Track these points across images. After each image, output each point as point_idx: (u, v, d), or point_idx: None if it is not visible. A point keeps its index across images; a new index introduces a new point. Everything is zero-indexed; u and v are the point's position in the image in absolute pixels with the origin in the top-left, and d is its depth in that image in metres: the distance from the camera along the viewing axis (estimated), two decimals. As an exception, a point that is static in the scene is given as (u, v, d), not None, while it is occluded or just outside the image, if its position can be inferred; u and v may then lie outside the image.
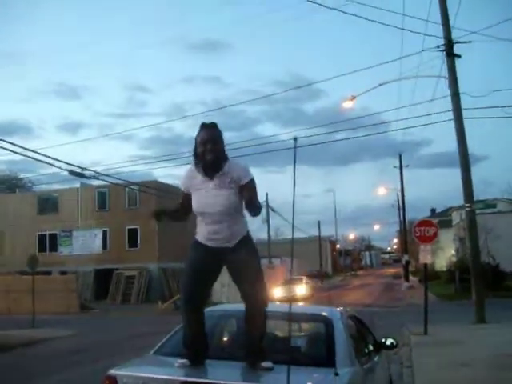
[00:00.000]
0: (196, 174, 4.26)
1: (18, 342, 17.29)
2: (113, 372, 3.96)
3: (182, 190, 4.40)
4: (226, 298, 26.02)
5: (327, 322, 4.67)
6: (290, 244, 4.40)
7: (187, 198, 4.35)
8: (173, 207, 4.58)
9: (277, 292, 31.27)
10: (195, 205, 4.28)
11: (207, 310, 4.59)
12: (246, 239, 4.36)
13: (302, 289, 36.98)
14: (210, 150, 4.15)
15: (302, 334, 4.94)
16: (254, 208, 4.25)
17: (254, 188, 4.29)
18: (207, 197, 4.19)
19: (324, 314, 4.94)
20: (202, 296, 4.36)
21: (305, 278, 41.42)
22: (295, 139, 4.02)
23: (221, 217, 4.19)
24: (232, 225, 4.26)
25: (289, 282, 35.44)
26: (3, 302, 31.64)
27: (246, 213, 4.39)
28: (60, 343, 17.57)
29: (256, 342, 4.15)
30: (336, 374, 3.81)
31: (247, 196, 4.21)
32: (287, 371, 3.35)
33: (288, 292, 31.70)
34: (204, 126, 4.29)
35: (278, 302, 5.26)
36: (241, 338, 4.40)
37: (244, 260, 4.22)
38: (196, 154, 4.25)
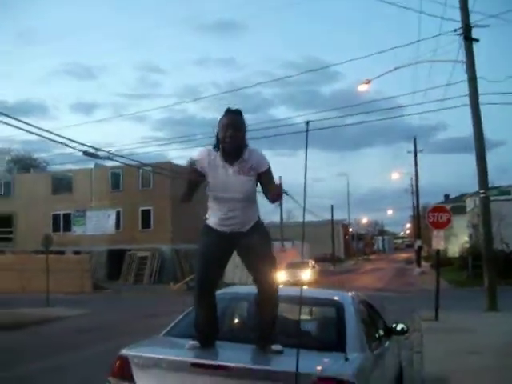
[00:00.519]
0: (215, 157, 4.24)
1: (32, 320, 17.51)
2: (124, 352, 4.00)
3: (196, 166, 4.24)
4: (238, 278, 26.06)
5: (338, 307, 4.67)
6: (302, 227, 4.42)
7: (199, 174, 4.25)
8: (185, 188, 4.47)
9: (280, 276, 30.73)
10: (213, 188, 4.26)
11: (219, 292, 4.61)
12: (259, 224, 4.37)
13: (306, 273, 33.87)
14: (232, 137, 4.15)
15: (313, 318, 4.95)
16: (277, 193, 4.30)
17: (272, 175, 4.34)
18: (226, 182, 4.18)
19: (335, 298, 4.95)
20: (214, 280, 4.38)
21: (311, 262, 39.00)
22: (307, 123, 4.03)
23: (237, 203, 4.19)
24: (246, 211, 4.27)
25: (295, 265, 34.47)
26: (18, 281, 31.96)
27: (263, 199, 4.41)
28: (73, 322, 17.78)
29: (267, 326, 4.17)
30: (346, 359, 3.82)
31: (267, 182, 4.26)
32: (296, 354, 3.37)
33: (292, 276, 31.57)
34: (229, 111, 4.27)
35: (288, 286, 5.28)
36: (251, 320, 4.42)
37: (256, 245, 4.23)
38: (218, 138, 4.25)
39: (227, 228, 4.26)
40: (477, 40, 17.95)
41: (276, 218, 53.38)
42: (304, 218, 5.01)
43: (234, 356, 3.95)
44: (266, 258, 4.24)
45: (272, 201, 4.38)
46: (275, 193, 4.29)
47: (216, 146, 4.27)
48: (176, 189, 39.75)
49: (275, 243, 50.65)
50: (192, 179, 4.28)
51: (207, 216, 4.40)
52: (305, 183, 4.01)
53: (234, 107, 4.31)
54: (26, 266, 32.41)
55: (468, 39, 17.84)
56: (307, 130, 3.97)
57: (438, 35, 18.96)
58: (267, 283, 4.20)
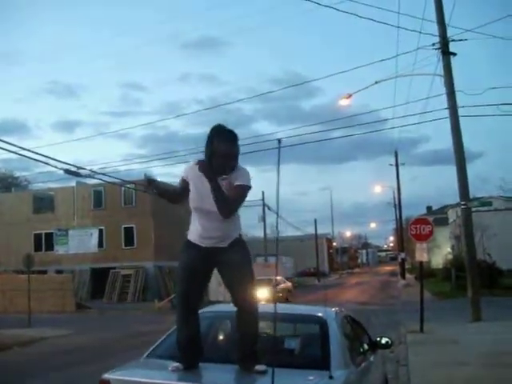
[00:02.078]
0: (196, 171, 4.17)
1: (14, 341, 17.24)
2: (106, 376, 3.94)
3: (182, 176, 4.35)
4: (222, 296, 25.94)
5: (322, 323, 4.64)
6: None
7: (185, 184, 4.30)
8: (169, 187, 4.56)
9: None
10: (193, 199, 4.25)
11: (202, 311, 4.57)
12: (239, 241, 4.34)
13: (263, 292, 25.13)
14: (229, 166, 4.17)
15: (297, 334, 4.92)
16: (225, 205, 4.10)
17: (242, 193, 4.22)
18: (206, 194, 4.13)
19: (318, 314, 4.91)
20: (196, 298, 4.34)
21: (280, 278, 34.93)
22: (279, 141, 4.06)
23: (218, 215, 4.14)
24: (227, 224, 4.23)
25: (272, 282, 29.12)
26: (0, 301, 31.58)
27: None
28: (55, 343, 17.52)
29: (248, 346, 4.12)
30: (330, 377, 3.79)
31: (230, 194, 4.13)
32: (271, 375, 3.34)
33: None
34: (230, 138, 4.19)
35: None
36: (235, 340, 4.37)
37: (236, 263, 4.19)
38: (207, 154, 4.18)
39: (207, 242, 4.21)
40: (454, 54, 18.16)
41: (259, 233, 53.37)
42: (278, 234, 4.96)
43: (218, 378, 3.92)
44: (245, 276, 4.19)
45: (219, 210, 4.12)
46: (224, 201, 4.11)
47: (203, 160, 4.21)
48: (159, 207, 39.75)
49: (259, 258, 50.68)
50: (181, 188, 4.35)
51: (188, 232, 4.37)
52: (277, 201, 4.02)
53: (228, 127, 4.24)
54: (7, 286, 32.04)
55: (446, 53, 18.04)
56: (279, 147, 3.99)
57: (417, 49, 19.16)
58: (246, 302, 4.16)
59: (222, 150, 4.13)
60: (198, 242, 4.26)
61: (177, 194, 4.47)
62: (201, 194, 4.17)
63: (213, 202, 4.10)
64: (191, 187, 4.26)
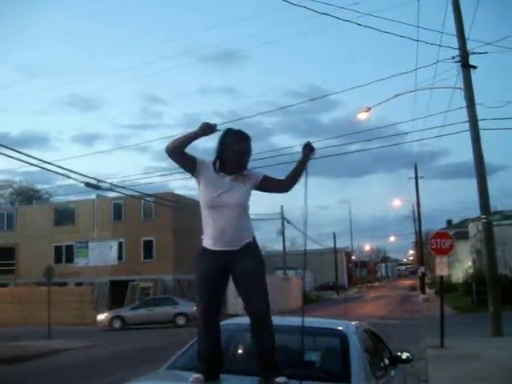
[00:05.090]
0: (211, 168, 4.24)
1: (34, 353, 17.40)
2: (127, 387, 3.96)
3: (196, 159, 4.25)
4: (241, 309, 25.86)
5: (342, 337, 4.63)
6: (306, 255, 4.40)
7: (193, 161, 4.23)
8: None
9: None
10: (206, 197, 4.21)
11: (222, 323, 4.57)
12: (253, 246, 4.30)
13: None
14: (242, 163, 4.24)
15: (317, 348, 4.91)
16: (295, 178, 4.31)
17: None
18: (221, 187, 4.16)
19: (339, 328, 4.90)
20: (216, 307, 4.34)
21: None
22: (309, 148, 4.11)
23: (230, 212, 4.15)
24: (240, 224, 4.21)
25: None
26: (19, 313, 31.85)
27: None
28: (76, 354, 17.64)
29: (266, 355, 4.09)
30: (351, 390, 3.79)
31: (272, 179, 4.36)
32: None
33: None
34: (244, 137, 4.28)
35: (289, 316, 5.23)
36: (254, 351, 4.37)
37: (250, 269, 4.17)
38: (219, 154, 4.24)
39: (221, 244, 4.18)
40: (475, 67, 18.10)
41: (279, 247, 53.29)
42: (305, 252, 4.97)
43: None
44: (260, 282, 4.19)
45: (287, 183, 4.35)
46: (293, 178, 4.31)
47: (215, 162, 4.26)
48: (178, 219, 39.92)
49: (278, 272, 50.57)
50: (203, 133, 4.13)
51: (203, 236, 4.36)
52: (306, 214, 4.05)
53: (242, 129, 4.32)
54: (28, 298, 32.35)
55: (466, 66, 17.99)
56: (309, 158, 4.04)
57: (436, 62, 19.11)
58: (260, 309, 4.14)
59: (235, 147, 4.18)
60: (211, 246, 4.23)
61: (182, 153, 4.22)
62: (218, 188, 4.17)
63: (229, 196, 4.14)
64: (203, 184, 4.24)
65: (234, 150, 4.18)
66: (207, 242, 4.27)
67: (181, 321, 29.48)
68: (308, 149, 4.27)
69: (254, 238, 4.35)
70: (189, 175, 4.38)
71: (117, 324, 29.34)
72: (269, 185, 4.36)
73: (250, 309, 4.18)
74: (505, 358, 12.09)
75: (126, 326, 28.88)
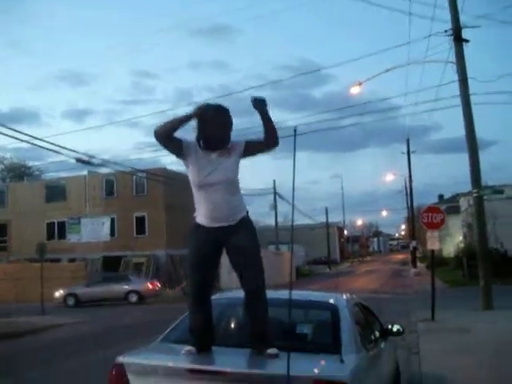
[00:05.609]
0: (197, 148, 4.27)
1: (28, 329, 17.44)
2: (120, 360, 3.99)
3: (182, 141, 4.28)
4: (234, 283, 26.02)
5: (333, 309, 4.69)
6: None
7: (180, 144, 4.27)
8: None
9: None
10: (195, 178, 4.24)
11: (213, 297, 4.61)
12: (246, 221, 4.34)
13: None
14: (225, 137, 4.25)
15: (308, 320, 4.96)
16: (275, 132, 4.24)
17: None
18: (209, 165, 4.19)
19: (330, 301, 4.96)
20: (208, 282, 4.38)
21: None
22: (295, 130, 4.08)
23: (222, 188, 4.17)
24: (231, 200, 4.24)
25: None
26: (12, 290, 31.84)
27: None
28: (70, 330, 17.72)
29: (259, 328, 4.16)
30: (341, 361, 3.83)
31: (256, 140, 4.32)
32: (285, 358, 3.38)
33: None
34: (221, 110, 4.26)
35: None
36: (247, 324, 4.41)
37: (243, 245, 4.21)
38: (202, 133, 4.24)
39: (214, 221, 4.21)
40: (467, 41, 18.02)
41: (271, 221, 53.39)
42: (292, 223, 4.98)
43: (231, 361, 3.96)
44: (254, 256, 4.23)
45: (271, 140, 4.28)
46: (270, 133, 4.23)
47: (198, 139, 4.28)
48: (170, 195, 39.87)
49: (270, 246, 50.73)
50: (195, 116, 4.18)
51: (195, 214, 4.38)
52: (293, 189, 4.06)
53: (221, 105, 4.29)
54: (20, 275, 32.31)
55: (458, 40, 17.89)
56: (295, 135, 4.02)
57: (429, 36, 19.04)
58: (255, 282, 4.20)
59: (215, 122, 4.18)
60: (206, 223, 4.26)
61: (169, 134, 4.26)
62: (206, 167, 4.19)
63: (219, 173, 4.15)
64: (191, 165, 4.27)
65: (215, 125, 4.19)
66: (201, 219, 4.29)
67: (133, 298, 29.31)
68: (259, 103, 4.16)
69: (247, 213, 4.37)
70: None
71: (70, 301, 29.03)
72: (253, 148, 4.34)
73: (246, 284, 4.23)
74: (494, 331, 12.23)
75: (80, 304, 28.45)
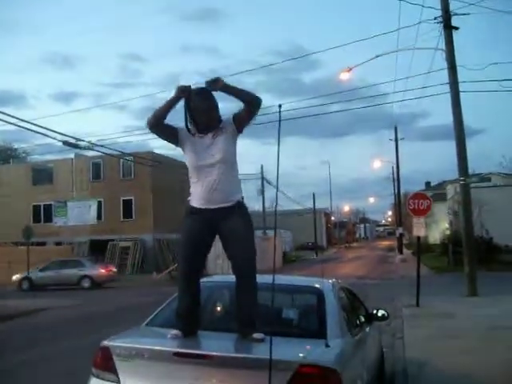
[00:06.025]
0: (189, 135, 4.29)
1: (17, 312, 17.40)
2: (106, 343, 3.99)
3: (178, 129, 4.33)
4: (220, 269, 26.14)
5: (319, 294, 4.71)
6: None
7: (175, 131, 4.32)
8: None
9: None
10: (192, 160, 4.26)
11: (201, 280, 4.61)
12: (242, 206, 4.36)
13: None
14: (214, 118, 4.26)
15: (294, 305, 4.99)
16: (248, 92, 4.21)
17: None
18: (204, 147, 4.22)
19: (316, 285, 4.99)
20: (199, 266, 4.39)
21: None
22: (279, 106, 4.07)
23: (218, 169, 4.19)
24: (228, 180, 4.26)
25: None
26: (-1, 273, 31.72)
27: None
28: (57, 313, 17.68)
29: (247, 313, 4.18)
30: (327, 346, 3.85)
31: (240, 112, 4.25)
32: (269, 343, 3.40)
33: None
34: (204, 92, 4.22)
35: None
36: (233, 309, 4.43)
37: (238, 227, 4.24)
38: (192, 119, 4.26)
39: (210, 202, 4.22)
40: (456, 28, 18.00)
41: (258, 206, 53.42)
42: (276, 207, 4.99)
43: (216, 345, 3.97)
44: (246, 242, 4.24)
45: (248, 103, 4.21)
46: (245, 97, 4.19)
47: (188, 126, 4.29)
48: (158, 179, 39.77)
49: (257, 231, 50.83)
50: (180, 94, 4.19)
51: (190, 197, 4.38)
52: (277, 168, 4.05)
53: (203, 88, 4.23)
54: (6, 258, 32.17)
55: (448, 27, 17.89)
56: (279, 112, 4.00)
57: (419, 23, 19.00)
58: (247, 267, 4.22)
59: (201, 105, 4.19)
60: (201, 205, 4.26)
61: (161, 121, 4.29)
62: (202, 148, 4.22)
63: (215, 153, 4.18)
64: (187, 149, 4.30)
65: (202, 110, 4.20)
66: (197, 202, 4.29)
67: (86, 283, 28.89)
68: (214, 83, 4.13)
69: (242, 198, 4.39)
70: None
71: (25, 285, 28.55)
72: (241, 116, 4.29)
73: (237, 268, 4.24)
74: (478, 317, 12.37)
75: (34, 288, 27.46)
